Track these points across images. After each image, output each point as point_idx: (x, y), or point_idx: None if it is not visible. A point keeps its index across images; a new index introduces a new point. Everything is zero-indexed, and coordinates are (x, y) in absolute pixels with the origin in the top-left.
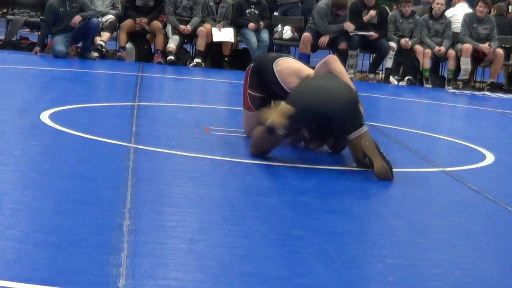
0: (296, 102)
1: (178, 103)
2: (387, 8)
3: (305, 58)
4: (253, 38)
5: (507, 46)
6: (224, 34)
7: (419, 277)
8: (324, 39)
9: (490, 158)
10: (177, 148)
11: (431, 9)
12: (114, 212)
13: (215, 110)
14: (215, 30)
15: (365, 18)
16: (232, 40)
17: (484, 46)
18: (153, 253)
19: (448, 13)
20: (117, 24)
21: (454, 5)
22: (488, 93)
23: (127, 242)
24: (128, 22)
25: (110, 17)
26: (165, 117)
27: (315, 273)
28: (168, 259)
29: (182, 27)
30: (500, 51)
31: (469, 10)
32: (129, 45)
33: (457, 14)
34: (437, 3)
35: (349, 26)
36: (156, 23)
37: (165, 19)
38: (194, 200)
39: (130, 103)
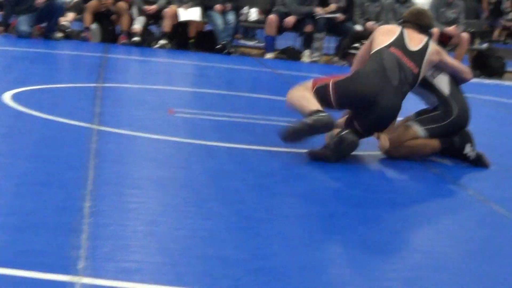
0: None
1: (142, 84)
2: None
3: (270, 40)
4: (219, 20)
5: (473, 30)
6: (190, 13)
7: (379, 260)
8: (290, 20)
9: None
10: (141, 130)
11: None
12: (76, 194)
13: (179, 92)
14: (181, 10)
15: (331, 6)
16: (199, 19)
17: (450, 29)
18: (113, 235)
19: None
20: (82, 5)
21: None
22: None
23: (88, 224)
24: (93, 3)
25: None
26: (129, 99)
27: (276, 255)
28: (129, 241)
29: (146, 7)
30: (465, 35)
31: None
32: (94, 26)
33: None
34: None
35: (319, 11)
36: (122, 4)
37: (130, 0)
38: (157, 182)
39: (94, 84)
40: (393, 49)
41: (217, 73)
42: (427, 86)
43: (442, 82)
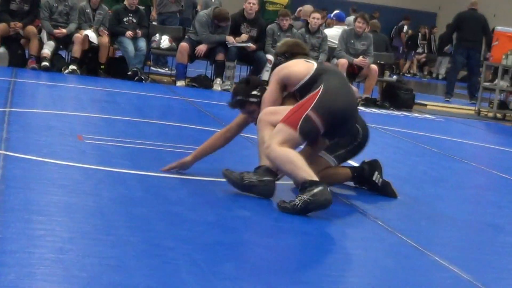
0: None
1: (51, 110)
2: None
3: (181, 68)
4: (130, 46)
5: (382, 62)
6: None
7: (288, 282)
8: (202, 48)
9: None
10: (49, 156)
11: (307, 23)
12: None
13: (89, 118)
14: (89, 32)
15: (242, 36)
16: (96, 42)
17: (359, 59)
18: (19, 263)
19: (326, 31)
20: None
21: (330, 25)
22: (362, 108)
23: None
24: (2, 26)
25: None
26: (38, 124)
27: (185, 284)
28: (35, 269)
29: (56, 31)
30: (374, 66)
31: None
32: (2, 50)
33: (332, 33)
34: (313, 18)
35: (230, 39)
36: (31, 28)
37: (40, 24)
38: (65, 209)
39: (1, 109)
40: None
41: (127, 100)
42: None
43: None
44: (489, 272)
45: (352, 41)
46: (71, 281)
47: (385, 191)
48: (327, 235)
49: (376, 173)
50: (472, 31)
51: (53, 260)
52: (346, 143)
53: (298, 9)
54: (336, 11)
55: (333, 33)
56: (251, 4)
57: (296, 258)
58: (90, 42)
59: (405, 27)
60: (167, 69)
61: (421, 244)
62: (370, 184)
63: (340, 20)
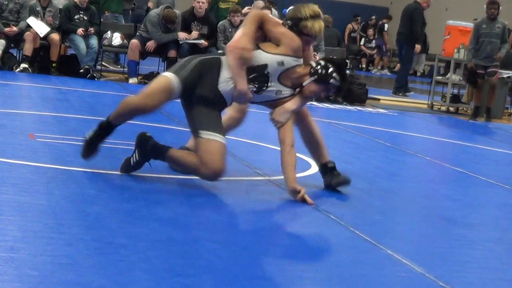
0: None
1: (2, 108)
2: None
3: (133, 65)
4: (81, 44)
5: (334, 57)
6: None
7: (243, 285)
8: (151, 44)
9: (315, 167)
10: (0, 155)
11: None
12: None
13: (41, 116)
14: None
15: (193, 34)
16: (41, 35)
17: None
18: None
19: None
20: None
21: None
22: (315, 103)
23: None
24: None
25: None
26: None
27: (138, 281)
28: None
29: (7, 29)
30: None
31: None
32: None
33: None
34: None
35: (182, 36)
36: None
37: None
38: (16, 207)
39: None
40: None
41: (79, 98)
42: None
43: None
44: (442, 265)
45: None
46: (23, 280)
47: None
48: (280, 230)
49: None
50: (402, 23)
51: (4, 259)
52: None
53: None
54: (290, 8)
55: None
56: (200, 3)
57: (250, 254)
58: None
59: (386, 26)
60: (119, 66)
61: (374, 238)
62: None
63: None
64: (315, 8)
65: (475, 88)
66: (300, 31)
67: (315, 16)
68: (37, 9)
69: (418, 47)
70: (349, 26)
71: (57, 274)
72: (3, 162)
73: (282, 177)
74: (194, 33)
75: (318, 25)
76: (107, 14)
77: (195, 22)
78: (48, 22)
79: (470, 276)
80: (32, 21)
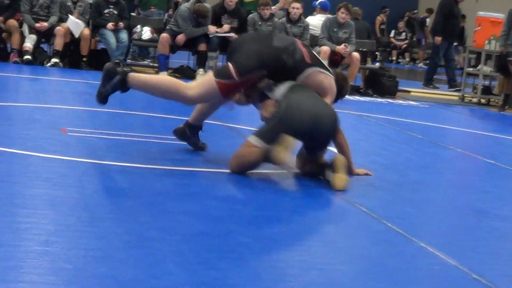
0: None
1: (34, 103)
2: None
3: (164, 59)
4: (111, 39)
5: (364, 49)
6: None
7: (274, 278)
8: (181, 38)
9: None
10: (33, 149)
11: (288, 13)
12: None
13: (72, 110)
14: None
15: (224, 27)
16: (76, 35)
17: (341, 47)
18: (5, 256)
19: (308, 19)
20: None
21: (315, 15)
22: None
23: None
24: None
25: None
26: (21, 118)
27: (171, 274)
28: (21, 262)
29: (38, 24)
30: (356, 54)
31: None
32: None
33: (315, 22)
34: (293, 7)
35: (212, 29)
36: (12, 22)
37: (21, 18)
38: (50, 201)
39: None
40: None
41: None
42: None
43: (280, 91)
44: (475, 257)
45: (335, 29)
46: (57, 273)
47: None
48: (311, 223)
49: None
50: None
51: (39, 253)
52: (270, 121)
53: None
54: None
55: (316, 21)
56: None
57: (281, 247)
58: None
59: (427, 20)
60: (149, 60)
61: (406, 231)
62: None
63: (324, 8)
64: None
65: (506, 76)
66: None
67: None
68: (67, 4)
69: (437, 39)
70: (379, 18)
71: (90, 267)
72: (36, 156)
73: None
74: (226, 27)
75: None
76: (152, 9)
77: (225, 15)
78: (74, 17)
79: (503, 268)
80: (70, 22)
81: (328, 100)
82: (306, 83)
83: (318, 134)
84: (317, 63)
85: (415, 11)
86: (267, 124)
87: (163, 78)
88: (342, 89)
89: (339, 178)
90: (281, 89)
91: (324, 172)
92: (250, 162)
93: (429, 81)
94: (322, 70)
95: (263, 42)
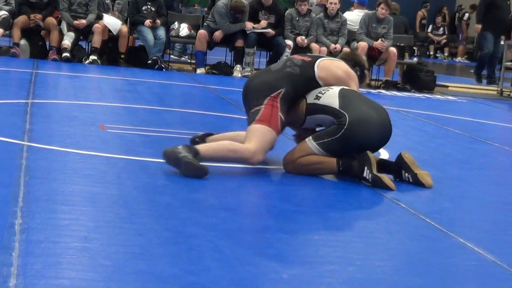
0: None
1: (73, 100)
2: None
3: (201, 56)
4: (149, 35)
5: (402, 44)
6: (113, 22)
7: (313, 274)
8: (218, 34)
9: (384, 155)
10: (72, 146)
11: (326, 8)
12: (6, 211)
13: (111, 107)
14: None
15: (262, 23)
16: (115, 32)
17: (378, 43)
18: (45, 252)
19: (346, 15)
20: (11, 21)
21: (352, 10)
22: (383, 91)
23: (19, 241)
24: (22, 18)
25: (3, 13)
26: (60, 115)
27: (209, 270)
28: (61, 258)
29: (76, 22)
30: (393, 49)
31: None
32: (23, 42)
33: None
34: (331, 3)
35: (249, 25)
36: (51, 20)
37: (59, 16)
38: (88, 198)
39: (24, 100)
40: None
41: (148, 89)
42: (316, 111)
43: (329, 97)
44: None
45: (374, 25)
46: (96, 269)
47: (378, 186)
48: (349, 219)
49: (366, 168)
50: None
51: (78, 249)
52: (332, 131)
53: None
54: None
55: (353, 17)
56: None
57: (318, 243)
58: (110, 31)
59: (466, 15)
60: (187, 57)
61: (445, 226)
62: (362, 179)
63: (361, 3)
64: None
65: None
66: None
67: None
68: (106, 1)
69: (477, 26)
70: (420, 13)
71: (129, 263)
72: (75, 153)
73: None
74: (263, 22)
75: None
76: (196, 7)
77: (262, 11)
78: (115, 15)
79: None
80: (106, 19)
81: (354, 86)
82: (326, 79)
83: (384, 143)
84: (317, 57)
85: (462, 6)
86: (327, 132)
87: (223, 147)
88: (358, 63)
89: (426, 175)
90: (329, 96)
91: (401, 173)
92: (303, 166)
93: (478, 77)
94: (325, 57)
95: (264, 74)
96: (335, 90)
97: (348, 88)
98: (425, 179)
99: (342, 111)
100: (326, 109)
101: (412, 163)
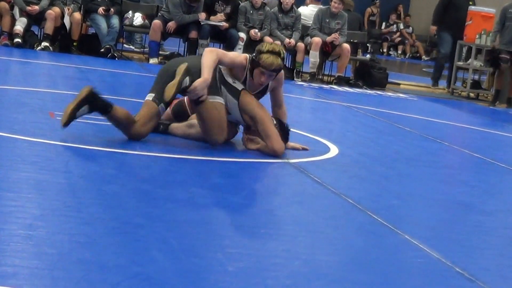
0: None
1: (23, 86)
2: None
3: (155, 45)
4: (103, 24)
5: (355, 41)
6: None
7: (258, 267)
8: (171, 25)
9: (334, 150)
10: (20, 133)
11: (280, 3)
12: None
13: (61, 95)
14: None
15: (218, 16)
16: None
17: (331, 36)
18: None
19: (301, 9)
20: None
21: (307, 5)
22: (335, 86)
23: None
24: None
25: None
26: (9, 101)
27: (155, 261)
28: (5, 245)
29: (29, 8)
30: (347, 45)
31: None
32: None
33: (307, 12)
34: None
35: (203, 17)
36: (3, 4)
37: (12, 1)
38: (35, 185)
39: None
40: None
41: (100, 77)
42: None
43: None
44: (459, 251)
45: (328, 20)
46: (41, 257)
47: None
48: (297, 213)
49: None
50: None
51: (23, 237)
52: None
53: None
54: None
55: (308, 11)
56: None
57: (265, 237)
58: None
59: None
60: (139, 46)
61: (392, 223)
62: None
63: None
64: (276, 46)
65: (498, 70)
66: (258, 62)
67: (273, 52)
68: None
69: (432, 28)
70: (368, 10)
71: (74, 252)
72: (22, 140)
73: (300, 160)
74: (219, 16)
75: (270, 60)
76: None
77: (219, 1)
78: (68, 13)
79: (486, 262)
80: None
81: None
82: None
83: None
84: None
85: None
86: None
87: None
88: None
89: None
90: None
91: None
92: None
93: (434, 81)
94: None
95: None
96: None
97: None
98: None
99: None
100: None
101: None
